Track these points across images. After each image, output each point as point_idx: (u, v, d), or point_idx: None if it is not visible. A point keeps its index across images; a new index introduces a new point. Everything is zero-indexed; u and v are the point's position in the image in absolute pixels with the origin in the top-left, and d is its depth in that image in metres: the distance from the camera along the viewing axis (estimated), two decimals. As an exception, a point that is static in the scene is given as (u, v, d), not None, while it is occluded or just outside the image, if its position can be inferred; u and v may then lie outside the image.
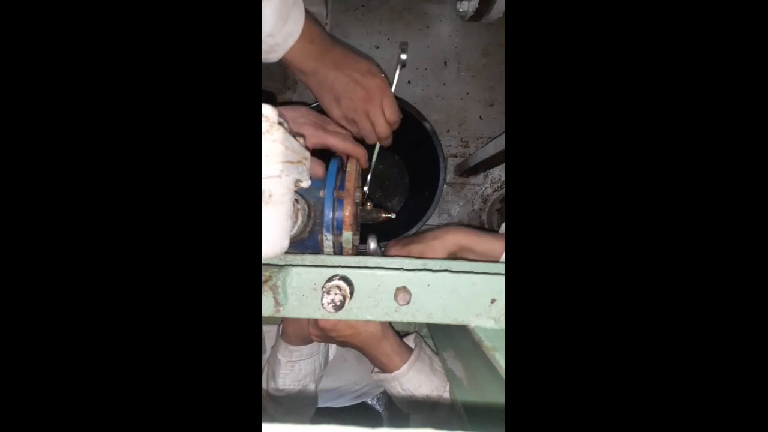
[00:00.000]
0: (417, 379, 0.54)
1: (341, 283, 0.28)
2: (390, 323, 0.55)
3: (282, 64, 0.47)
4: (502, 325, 0.30)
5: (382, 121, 0.49)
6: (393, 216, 0.48)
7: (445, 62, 0.87)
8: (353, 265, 0.31)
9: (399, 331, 0.60)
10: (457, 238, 0.48)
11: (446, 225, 0.57)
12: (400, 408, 0.59)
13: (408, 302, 0.30)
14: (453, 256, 0.49)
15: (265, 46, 0.44)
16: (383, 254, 0.50)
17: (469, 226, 0.66)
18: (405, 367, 0.53)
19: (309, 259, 0.35)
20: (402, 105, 0.63)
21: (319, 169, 0.41)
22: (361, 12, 0.84)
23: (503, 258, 0.48)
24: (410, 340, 0.59)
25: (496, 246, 0.48)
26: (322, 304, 0.28)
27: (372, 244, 0.47)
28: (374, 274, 0.30)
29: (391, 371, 0.54)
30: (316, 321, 0.50)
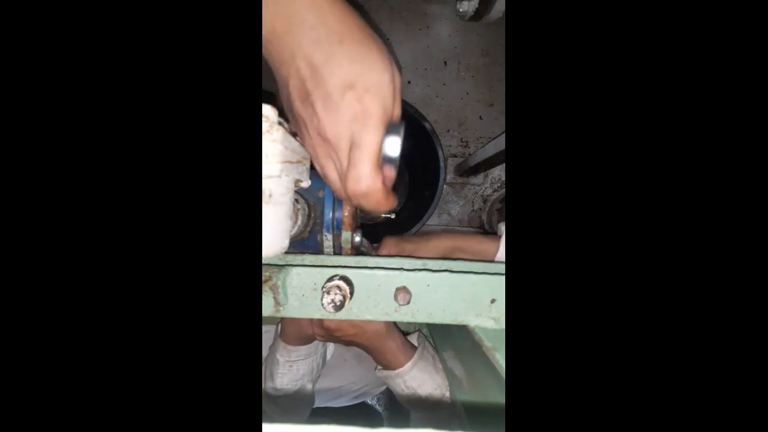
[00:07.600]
0: (420, 377, 0.54)
1: (341, 283, 0.28)
2: (394, 321, 0.56)
3: None
4: (502, 325, 0.30)
5: (335, 178, 0.28)
6: (393, 216, 0.48)
7: (445, 62, 0.87)
8: (353, 265, 0.31)
9: (401, 331, 0.61)
10: (451, 241, 0.49)
11: (442, 230, 0.58)
12: (402, 405, 0.59)
13: (408, 302, 0.30)
14: (445, 257, 0.50)
15: None
16: (376, 251, 0.50)
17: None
18: (409, 364, 0.54)
19: (309, 259, 0.35)
20: (402, 105, 0.63)
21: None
22: (361, 12, 0.84)
23: (498, 255, 0.49)
24: (413, 339, 0.59)
25: (490, 247, 0.48)
26: (322, 304, 0.28)
27: (357, 238, 0.41)
28: (374, 274, 0.30)
29: (395, 369, 0.54)
30: (320, 321, 0.50)
